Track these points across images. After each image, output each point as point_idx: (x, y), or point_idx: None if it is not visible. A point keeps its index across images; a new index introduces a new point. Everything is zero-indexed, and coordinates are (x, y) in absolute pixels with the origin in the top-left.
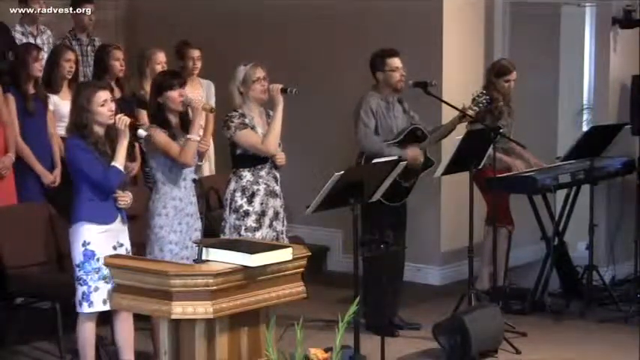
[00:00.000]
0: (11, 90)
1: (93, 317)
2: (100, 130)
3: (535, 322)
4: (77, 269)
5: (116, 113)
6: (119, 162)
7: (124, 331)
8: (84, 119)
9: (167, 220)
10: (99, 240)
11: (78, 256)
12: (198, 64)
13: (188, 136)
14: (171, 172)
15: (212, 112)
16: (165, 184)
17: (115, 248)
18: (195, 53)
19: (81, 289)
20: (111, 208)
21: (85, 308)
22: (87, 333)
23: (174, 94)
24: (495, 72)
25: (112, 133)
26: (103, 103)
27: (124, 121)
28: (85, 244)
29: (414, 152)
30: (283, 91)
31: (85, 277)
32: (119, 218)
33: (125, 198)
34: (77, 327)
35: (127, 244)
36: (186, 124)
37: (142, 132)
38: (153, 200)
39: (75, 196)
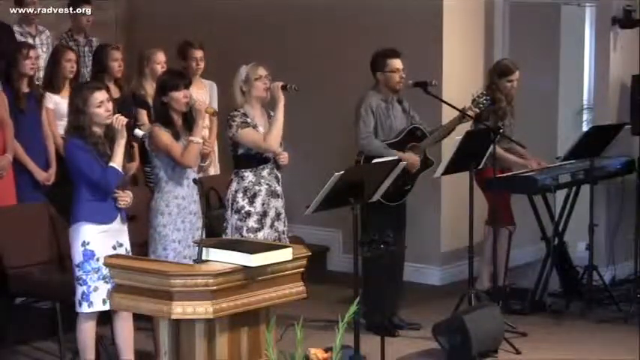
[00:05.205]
0: (6, 89)
1: (93, 317)
2: (99, 131)
3: (535, 322)
4: (77, 269)
5: (114, 113)
6: (117, 162)
7: (124, 331)
8: (81, 121)
9: (170, 218)
10: (98, 240)
11: (77, 255)
12: (202, 65)
13: (190, 138)
14: (174, 171)
15: (214, 115)
16: (168, 183)
17: (114, 248)
18: (198, 53)
19: (80, 289)
20: (110, 207)
21: (85, 308)
22: (87, 333)
23: (179, 94)
24: (498, 72)
25: (111, 133)
26: (100, 105)
27: (120, 121)
28: (84, 243)
29: (411, 158)
30: (284, 88)
31: (84, 276)
32: (119, 218)
33: (125, 198)
34: (77, 327)
35: (127, 244)
36: (189, 123)
37: (138, 132)
38: (155, 199)
39: (74, 196)
